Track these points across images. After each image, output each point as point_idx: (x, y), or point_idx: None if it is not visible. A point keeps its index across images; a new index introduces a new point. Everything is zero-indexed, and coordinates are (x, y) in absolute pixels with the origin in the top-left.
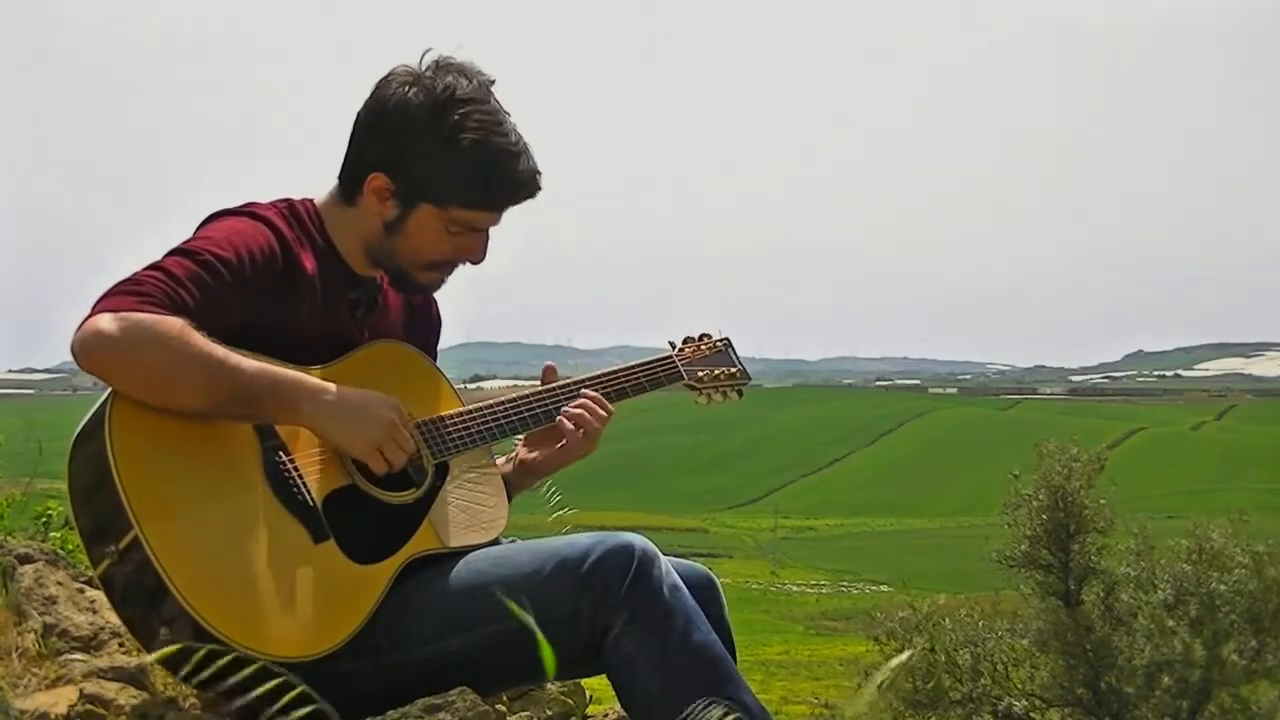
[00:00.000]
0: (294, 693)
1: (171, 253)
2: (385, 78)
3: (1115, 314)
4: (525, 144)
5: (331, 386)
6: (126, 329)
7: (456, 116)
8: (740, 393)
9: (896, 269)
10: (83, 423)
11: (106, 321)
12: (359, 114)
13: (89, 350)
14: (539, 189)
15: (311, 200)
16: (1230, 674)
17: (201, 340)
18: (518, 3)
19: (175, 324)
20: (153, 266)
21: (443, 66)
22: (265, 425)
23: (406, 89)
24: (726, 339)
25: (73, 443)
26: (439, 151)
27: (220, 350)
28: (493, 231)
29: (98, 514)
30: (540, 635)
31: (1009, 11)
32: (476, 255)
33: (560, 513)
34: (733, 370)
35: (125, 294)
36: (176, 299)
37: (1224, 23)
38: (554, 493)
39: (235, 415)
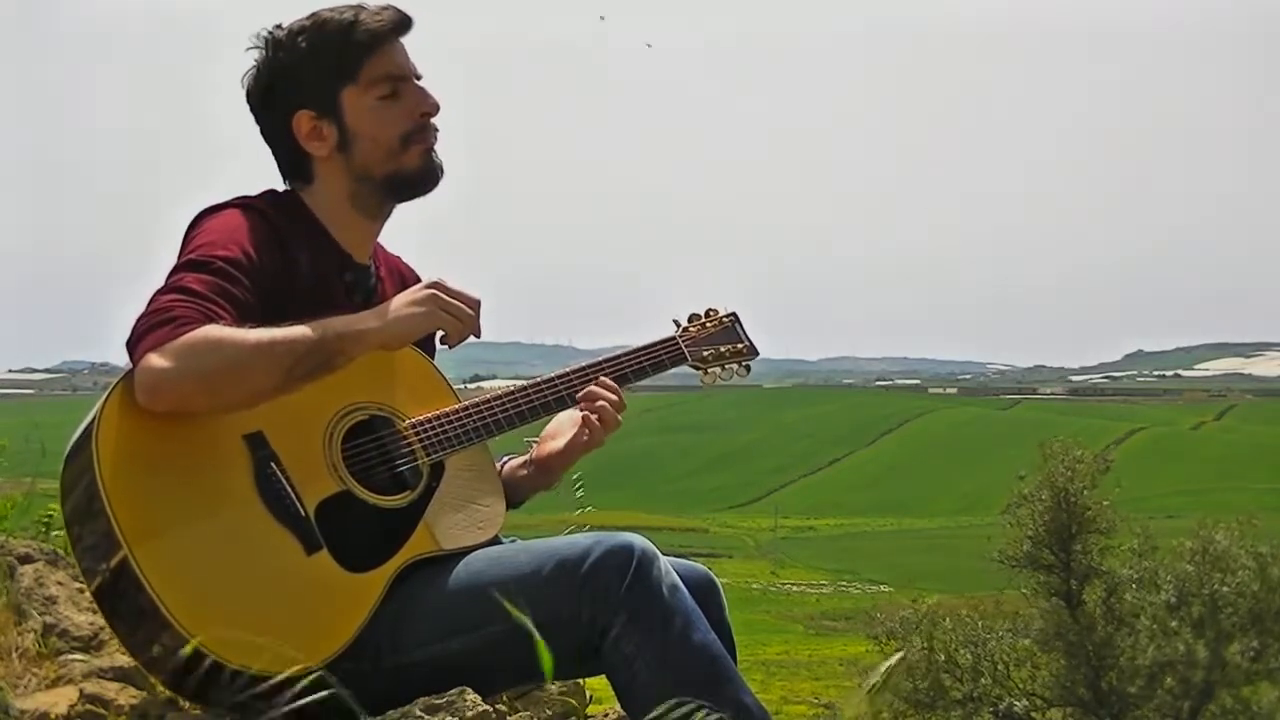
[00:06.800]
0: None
1: (182, 267)
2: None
3: (1115, 314)
4: None
5: (373, 310)
6: (177, 354)
7: (304, 21)
8: (748, 368)
9: (896, 269)
10: (71, 440)
11: (156, 359)
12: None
13: (157, 391)
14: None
15: (291, 190)
16: (1232, 675)
17: (242, 330)
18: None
19: (211, 328)
20: (172, 288)
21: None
22: (255, 435)
23: (260, 52)
24: (734, 314)
25: (63, 461)
26: (312, 49)
27: (259, 330)
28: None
29: (88, 534)
30: (538, 636)
31: (1007, 7)
32: (425, 103)
33: (582, 510)
34: (739, 346)
35: (161, 326)
36: (210, 315)
37: (1225, 24)
38: (579, 486)
39: (312, 376)
